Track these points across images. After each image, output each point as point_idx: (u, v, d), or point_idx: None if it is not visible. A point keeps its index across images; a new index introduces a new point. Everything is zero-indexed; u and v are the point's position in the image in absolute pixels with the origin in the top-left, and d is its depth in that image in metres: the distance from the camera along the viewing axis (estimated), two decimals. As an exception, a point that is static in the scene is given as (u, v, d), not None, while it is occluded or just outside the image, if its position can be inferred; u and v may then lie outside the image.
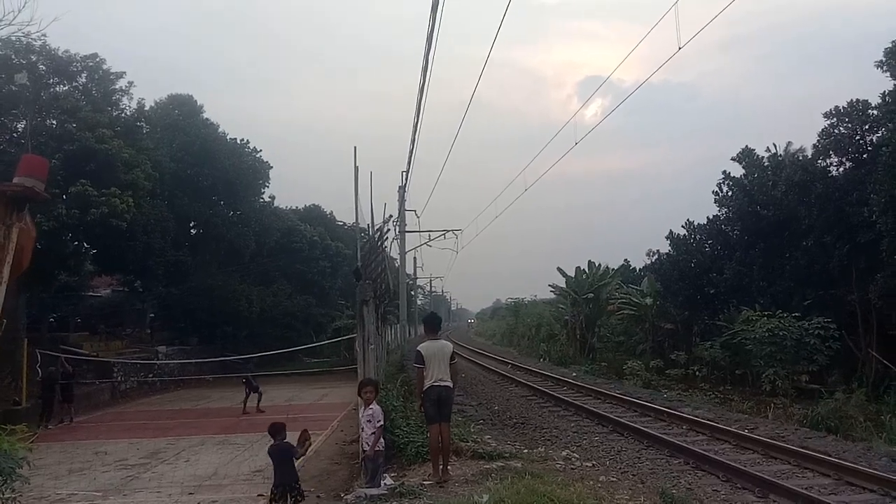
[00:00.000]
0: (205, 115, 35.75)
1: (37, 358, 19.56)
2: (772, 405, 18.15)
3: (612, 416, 14.14)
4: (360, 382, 8.67)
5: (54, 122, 23.59)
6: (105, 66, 25.28)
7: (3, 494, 5.10)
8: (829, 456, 9.53)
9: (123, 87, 26.23)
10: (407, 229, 34.03)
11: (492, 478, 7.64)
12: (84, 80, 24.77)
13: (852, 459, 9.41)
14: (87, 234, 23.26)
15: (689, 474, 9.20)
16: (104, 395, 24.19)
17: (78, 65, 24.40)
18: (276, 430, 7.70)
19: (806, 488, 7.99)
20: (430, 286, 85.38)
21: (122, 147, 23.51)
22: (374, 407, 8.01)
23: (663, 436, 11.57)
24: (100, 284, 34.20)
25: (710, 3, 13.04)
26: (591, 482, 7.88)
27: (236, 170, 35.52)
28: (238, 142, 37.25)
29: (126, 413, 21.56)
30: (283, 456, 7.51)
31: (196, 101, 35.80)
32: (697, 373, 24.94)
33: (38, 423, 17.00)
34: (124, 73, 26.12)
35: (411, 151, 21.48)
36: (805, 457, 9.55)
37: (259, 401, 19.56)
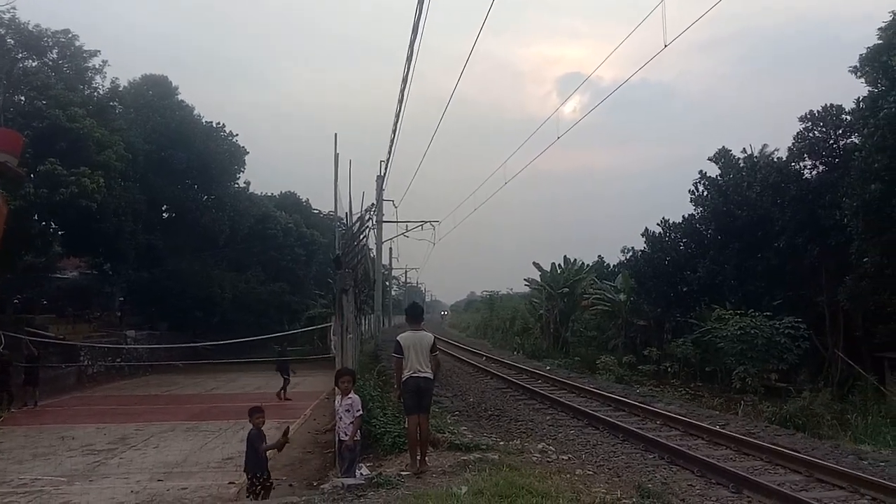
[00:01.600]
0: (179, 97, 35.12)
1: (0, 340, 18.99)
2: (741, 402, 18.46)
3: (587, 409, 14.21)
4: (337, 372, 8.56)
5: (23, 98, 22.94)
6: (77, 43, 24.69)
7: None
8: (799, 453, 9.68)
9: (97, 66, 25.68)
10: (384, 219, 33.83)
11: (469, 469, 7.60)
12: (55, 56, 24.12)
13: (821, 457, 9.56)
14: (55, 214, 22.70)
15: (665, 469, 9.26)
16: (70, 379, 23.63)
17: (49, 40, 23.73)
18: (252, 413, 7.61)
19: (779, 484, 8.09)
20: (406, 277, 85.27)
21: (94, 126, 22.94)
22: (353, 396, 7.91)
23: (638, 430, 11.65)
24: (68, 266, 33.40)
25: (692, 3, 13.10)
26: (568, 475, 7.88)
27: (211, 153, 34.93)
28: (213, 125, 36.63)
29: (93, 398, 21.10)
30: (254, 444, 7.43)
31: (171, 83, 35.13)
32: (669, 369, 25.26)
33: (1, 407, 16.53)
34: (98, 51, 25.63)
35: (392, 141, 21.28)
36: (776, 453, 9.68)
37: (284, 388, 18.98)
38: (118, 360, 27.63)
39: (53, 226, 24.78)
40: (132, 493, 9.18)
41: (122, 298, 35.62)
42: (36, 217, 22.35)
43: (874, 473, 8.62)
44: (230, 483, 9.56)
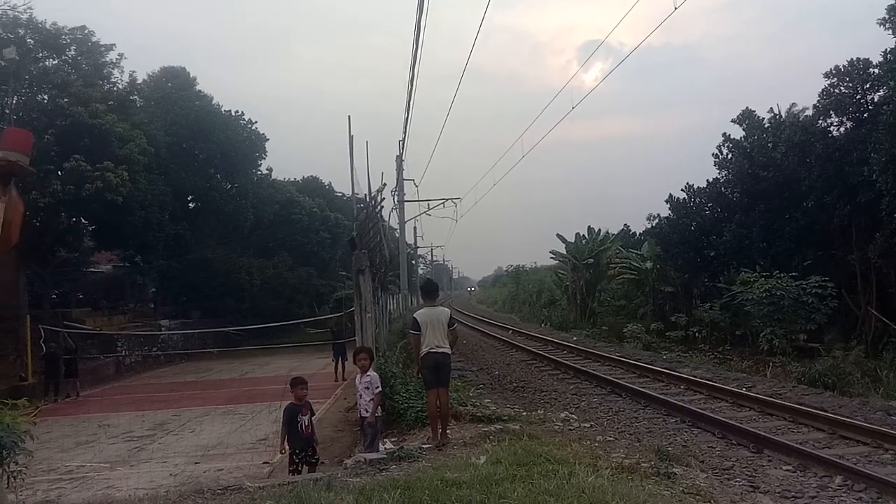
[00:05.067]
0: (198, 88, 35.36)
1: (40, 334, 19.67)
2: (770, 364, 18.31)
3: (610, 377, 14.28)
4: (354, 350, 8.73)
5: (45, 97, 23.32)
6: (94, 39, 24.91)
7: (9, 468, 5.17)
8: (825, 411, 9.64)
9: (114, 60, 25.88)
10: (406, 199, 33.91)
11: (490, 440, 7.73)
12: (73, 53, 24.40)
13: (847, 414, 9.52)
14: (83, 209, 23.18)
15: (686, 432, 9.31)
16: (109, 369, 24.40)
17: (66, 37, 24.02)
18: (295, 384, 7.72)
19: (800, 443, 8.10)
20: (431, 255, 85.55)
21: (115, 121, 23.28)
22: (372, 374, 8.07)
23: (661, 395, 11.70)
24: (100, 260, 34.24)
25: (707, -42, 12.74)
26: (589, 442, 7.97)
27: (232, 142, 35.23)
28: (233, 114, 36.86)
29: (131, 386, 21.78)
30: (289, 418, 7.54)
31: (189, 74, 35.34)
32: (697, 334, 25.10)
33: (44, 398, 17.18)
34: (114, 45, 25.75)
35: (406, 119, 21.33)
36: (800, 413, 9.66)
37: (340, 366, 18.78)
38: (154, 349, 28.41)
39: (83, 221, 25.34)
40: (171, 475, 9.50)
41: (154, 289, 36.47)
42: (64, 213, 22.88)
43: (901, 429, 8.55)
44: (264, 463, 9.85)
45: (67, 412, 16.31)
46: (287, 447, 7.56)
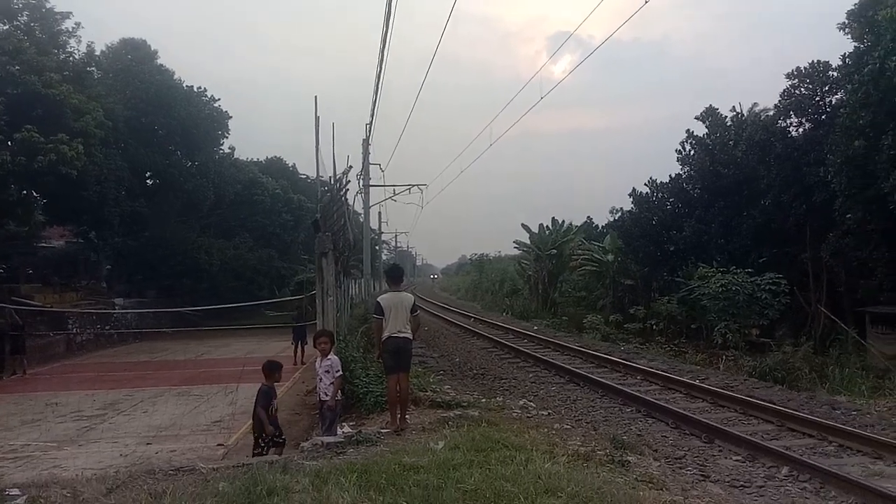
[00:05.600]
0: (159, 62, 34.34)
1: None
2: (723, 357, 18.76)
3: (569, 367, 14.45)
4: (315, 333, 8.63)
5: (-5, 63, 22.36)
6: (48, 5, 23.92)
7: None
8: (774, 404, 9.93)
9: (70, 29, 24.96)
10: (371, 183, 33.63)
11: (449, 426, 7.75)
12: (26, 19, 23.46)
13: (795, 407, 9.82)
14: (34, 182, 22.43)
15: (641, 421, 9.49)
16: (59, 347, 23.69)
17: (18, 2, 23.03)
18: (271, 369, 7.66)
19: (750, 434, 8.32)
20: (396, 241, 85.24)
21: (70, 92, 22.49)
22: (333, 357, 7.99)
23: (618, 385, 11.89)
24: (52, 235, 33.14)
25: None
26: (546, 429, 8.05)
27: (193, 119, 34.38)
28: (195, 90, 35.94)
29: (82, 365, 21.20)
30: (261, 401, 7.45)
31: (150, 47, 34.31)
32: (654, 327, 25.57)
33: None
34: (70, 13, 24.82)
35: (374, 102, 21.06)
36: (751, 405, 9.92)
37: (300, 350, 18.81)
38: (107, 327, 27.67)
39: (34, 194, 24.48)
40: (121, 455, 9.29)
41: (109, 267, 35.48)
42: (14, 185, 22.03)
43: (844, 422, 8.88)
44: (218, 445, 9.71)
45: (13, 390, 15.81)
46: (263, 429, 7.44)
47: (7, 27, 22.91)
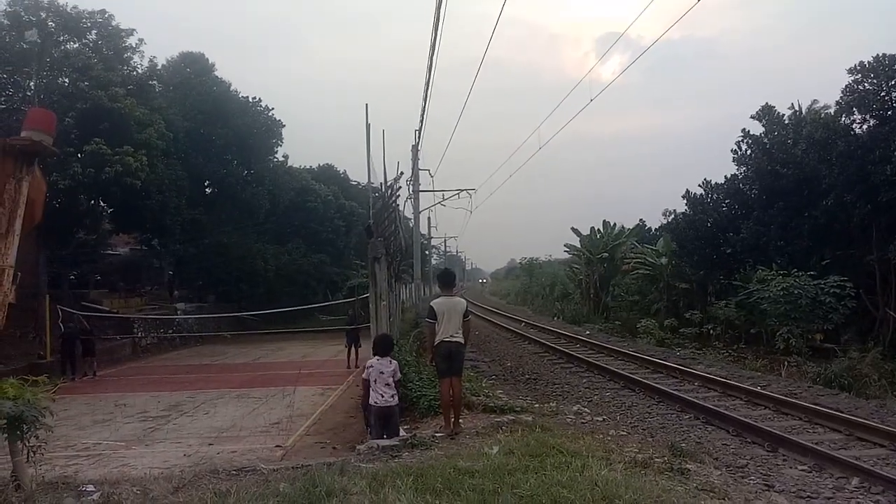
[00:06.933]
0: (216, 74, 35.53)
1: (58, 314, 19.96)
2: (785, 363, 18.14)
3: (623, 372, 14.22)
4: (374, 339, 8.74)
5: (66, 80, 23.54)
6: (114, 23, 25.05)
7: (28, 442, 5.25)
8: (841, 412, 9.54)
9: (134, 45, 26.05)
10: (421, 189, 33.86)
11: (502, 430, 7.74)
12: (94, 37, 24.57)
13: (864, 416, 9.41)
14: (102, 192, 23.43)
15: (700, 429, 9.26)
16: (125, 350, 24.71)
17: (87, 21, 24.17)
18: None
19: (816, 443, 8.03)
20: (445, 246, 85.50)
21: (134, 106, 23.46)
22: (394, 362, 8.09)
23: (674, 392, 11.64)
24: (118, 243, 34.60)
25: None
26: (601, 435, 7.96)
27: (249, 128, 35.38)
28: (250, 100, 36.99)
29: (147, 368, 22.02)
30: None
31: (207, 59, 35.53)
32: (711, 332, 24.92)
33: (62, 376, 17.43)
34: (134, 30, 25.90)
35: (423, 109, 21.26)
36: (816, 413, 9.56)
37: (353, 354, 18.65)
38: (170, 331, 28.72)
39: (102, 204, 25.62)
40: (185, 455, 9.60)
41: (170, 273, 36.81)
42: (83, 196, 23.12)
43: (918, 432, 8.45)
44: (277, 446, 9.93)
45: (85, 391, 16.52)
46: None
47: (77, 45, 24.10)
